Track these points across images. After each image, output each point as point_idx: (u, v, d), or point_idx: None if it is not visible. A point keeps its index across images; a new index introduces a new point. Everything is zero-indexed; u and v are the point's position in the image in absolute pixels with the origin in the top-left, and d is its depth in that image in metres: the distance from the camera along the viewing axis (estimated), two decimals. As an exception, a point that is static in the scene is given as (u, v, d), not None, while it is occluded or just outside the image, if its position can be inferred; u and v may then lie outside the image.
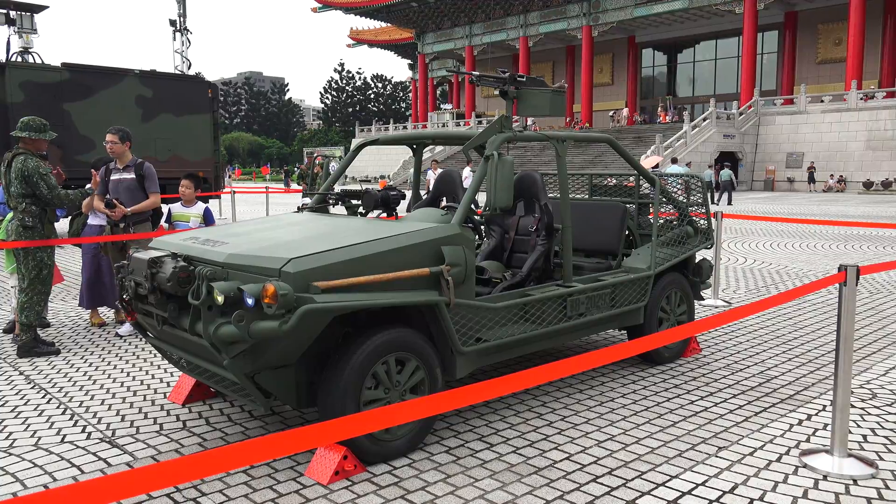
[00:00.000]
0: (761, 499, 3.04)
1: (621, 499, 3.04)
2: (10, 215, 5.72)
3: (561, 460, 3.44)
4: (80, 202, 5.57)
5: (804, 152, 36.97)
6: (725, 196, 27.06)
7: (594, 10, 48.62)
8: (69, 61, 14.17)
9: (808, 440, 3.70)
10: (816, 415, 4.08)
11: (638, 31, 52.67)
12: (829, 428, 3.88)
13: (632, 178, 5.84)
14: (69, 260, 10.96)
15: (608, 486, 3.16)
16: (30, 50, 20.41)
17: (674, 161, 23.70)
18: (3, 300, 7.70)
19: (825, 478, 3.26)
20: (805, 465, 3.38)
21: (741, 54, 43.09)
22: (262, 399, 3.24)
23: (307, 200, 6.72)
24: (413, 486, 3.15)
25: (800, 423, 3.95)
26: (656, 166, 18.64)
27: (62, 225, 9.77)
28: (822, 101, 37.57)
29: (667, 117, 43.19)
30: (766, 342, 5.77)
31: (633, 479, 3.23)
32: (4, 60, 14.77)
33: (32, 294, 5.39)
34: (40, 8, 20.58)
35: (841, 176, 35.17)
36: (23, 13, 20.41)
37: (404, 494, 3.08)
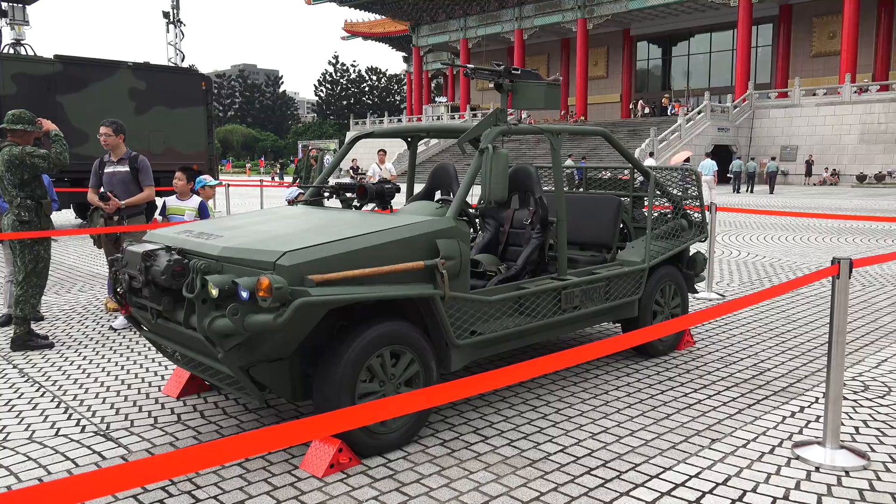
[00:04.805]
0: (754, 490, 3.06)
1: (615, 490, 3.06)
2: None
3: (555, 452, 3.45)
4: (67, 153, 5.42)
5: (798, 146, 37.07)
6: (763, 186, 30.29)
7: (589, 2, 48.55)
8: (62, 53, 14.07)
9: (800, 432, 3.72)
10: (809, 407, 4.11)
11: (633, 23, 52.63)
12: (821, 420, 3.90)
13: (626, 172, 5.84)
14: (62, 253, 10.92)
15: (602, 478, 3.18)
16: (22, 42, 20.28)
17: (707, 155, 25.10)
18: (-4, 293, 7.67)
19: (817, 469, 3.28)
20: (797, 457, 3.40)
21: (736, 47, 43.09)
22: (256, 392, 3.24)
23: (292, 190, 6.69)
24: (408, 479, 3.16)
25: (792, 415, 3.98)
26: (687, 160, 18.80)
27: (63, 217, 9.71)
28: (816, 95, 37.65)
29: (680, 108, 42.50)
30: (759, 335, 5.80)
31: (627, 471, 3.25)
32: (-4, 52, 14.65)
33: (28, 287, 5.38)
34: (32, -1, 20.45)
35: (835, 169, 35.28)
36: (15, 4, 20.27)
37: (399, 487, 3.09)
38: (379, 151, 15.18)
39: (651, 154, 26.44)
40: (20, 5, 20.91)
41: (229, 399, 4.23)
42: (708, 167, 22.61)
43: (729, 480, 3.16)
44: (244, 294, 2.97)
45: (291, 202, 6.21)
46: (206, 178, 6.69)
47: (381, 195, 4.36)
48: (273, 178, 48.52)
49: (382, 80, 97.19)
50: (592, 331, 5.83)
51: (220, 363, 3.22)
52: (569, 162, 22.17)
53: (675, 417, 3.93)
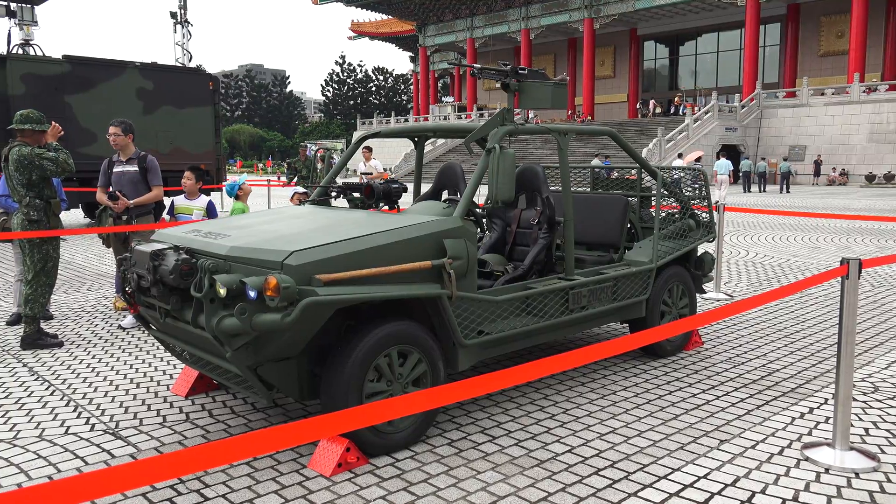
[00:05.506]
0: (763, 492, 3.05)
1: (623, 491, 3.05)
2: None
3: (563, 453, 3.45)
4: (70, 160, 5.45)
5: (806, 145, 36.90)
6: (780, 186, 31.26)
7: (596, 2, 48.46)
8: (70, 53, 14.14)
9: (809, 433, 3.71)
10: (818, 408, 4.08)
11: (640, 23, 52.51)
12: (830, 421, 3.88)
13: (633, 171, 5.82)
14: (71, 252, 10.97)
15: (610, 479, 3.17)
16: (31, 42, 20.37)
17: (721, 155, 25.97)
18: (5, 293, 7.72)
19: (827, 471, 3.27)
20: (807, 459, 3.38)
21: (743, 47, 42.93)
22: (264, 391, 3.25)
23: (298, 189, 6.68)
24: (415, 479, 3.16)
25: (802, 416, 3.96)
26: (698, 160, 19.02)
27: (72, 216, 9.77)
28: (824, 94, 37.46)
29: (692, 108, 41.90)
30: (768, 335, 5.77)
31: (635, 472, 3.24)
32: (5, 53, 14.74)
33: (37, 286, 5.41)
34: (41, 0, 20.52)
35: (843, 169, 35.11)
36: (23, 5, 20.36)
37: (407, 486, 3.08)
38: (363, 149, 14.51)
39: (680, 155, 26.32)
40: (29, 6, 21.00)
41: (237, 398, 4.24)
42: (723, 167, 23.18)
43: (738, 482, 3.14)
44: (252, 293, 2.97)
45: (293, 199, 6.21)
46: (238, 180, 6.62)
47: (387, 195, 4.35)
48: (279, 178, 48.72)
49: (389, 79, 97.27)
50: (600, 331, 5.82)
51: (229, 362, 3.22)
52: (595, 161, 22.31)
53: (684, 418, 3.92)
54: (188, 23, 39.75)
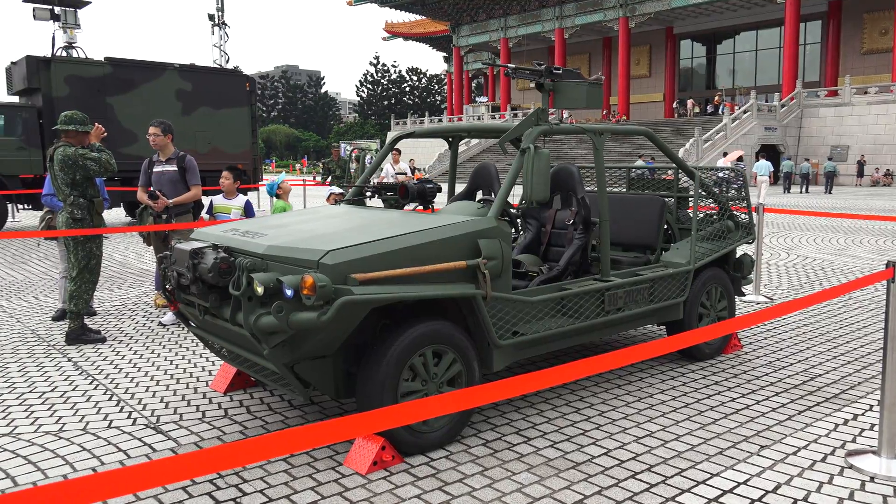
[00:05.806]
0: (805, 499, 2.98)
1: (661, 496, 3.01)
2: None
3: (599, 455, 3.41)
4: (113, 160, 5.59)
5: (849, 145, 35.98)
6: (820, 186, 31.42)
7: (631, 1, 47.89)
8: (112, 56, 14.47)
9: (854, 440, 3.61)
10: (863, 415, 3.97)
11: (676, 21, 51.74)
12: (876, 428, 3.77)
13: (670, 172, 5.74)
14: (113, 250, 11.22)
15: (647, 483, 3.13)
16: (74, 45, 20.85)
17: (761, 156, 25.43)
18: (51, 289, 7.93)
19: (872, 479, 3.18)
20: (851, 466, 3.29)
21: (783, 45, 42.01)
22: (301, 389, 3.28)
23: (334, 189, 6.71)
24: (450, 478, 3.16)
25: (845, 422, 3.86)
26: (740, 159, 18.85)
27: (114, 215, 9.98)
28: (867, 93, 36.48)
29: (732, 107, 40.91)
30: (809, 340, 5.64)
31: (672, 476, 3.19)
32: (50, 55, 15.14)
33: (81, 283, 5.54)
34: (83, 3, 21.01)
35: (888, 170, 34.16)
36: (67, 9, 20.88)
37: (441, 486, 3.08)
38: (392, 151, 14.04)
39: (725, 154, 26.02)
40: (72, 9, 21.51)
41: (275, 395, 4.29)
42: (764, 168, 22.85)
43: (779, 488, 3.07)
44: (288, 292, 3.00)
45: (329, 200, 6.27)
46: (276, 179, 6.68)
47: (422, 195, 4.36)
48: (314, 178, 49.29)
49: (423, 80, 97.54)
50: (636, 333, 5.75)
51: (266, 360, 3.26)
52: (639, 162, 22.15)
53: (723, 422, 3.85)
54: (225, 25, 40.35)
